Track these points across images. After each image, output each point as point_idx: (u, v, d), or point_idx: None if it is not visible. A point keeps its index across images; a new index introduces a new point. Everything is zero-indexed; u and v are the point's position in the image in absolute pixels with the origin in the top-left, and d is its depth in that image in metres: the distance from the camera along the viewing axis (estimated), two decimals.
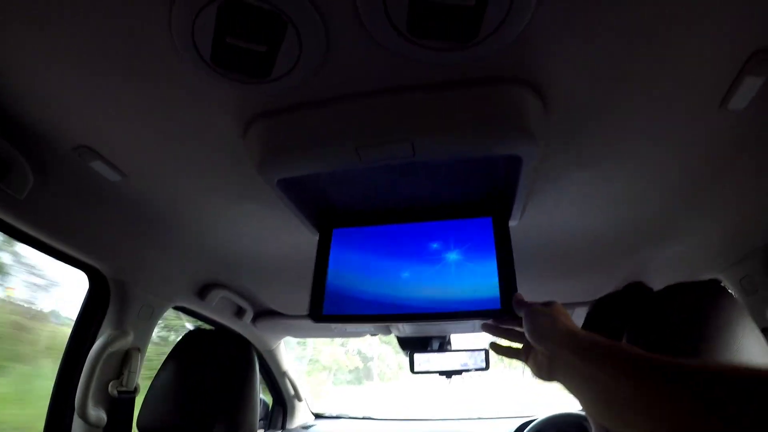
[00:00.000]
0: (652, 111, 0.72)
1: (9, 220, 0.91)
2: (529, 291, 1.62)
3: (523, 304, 0.74)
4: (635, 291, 0.79)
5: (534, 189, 0.92)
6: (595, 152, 0.83)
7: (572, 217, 1.08)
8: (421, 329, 2.02)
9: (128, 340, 1.25)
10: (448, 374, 2.14)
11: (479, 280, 0.83)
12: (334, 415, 2.79)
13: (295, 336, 2.31)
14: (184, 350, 1.05)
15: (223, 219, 1.13)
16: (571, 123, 0.75)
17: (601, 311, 0.82)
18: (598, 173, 0.90)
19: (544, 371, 0.66)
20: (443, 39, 0.58)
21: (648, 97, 0.69)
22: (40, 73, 0.67)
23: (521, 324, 0.72)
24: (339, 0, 0.54)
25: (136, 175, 0.93)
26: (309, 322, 1.96)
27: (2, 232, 0.95)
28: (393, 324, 1.96)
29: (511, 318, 0.77)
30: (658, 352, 0.47)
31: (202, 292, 1.55)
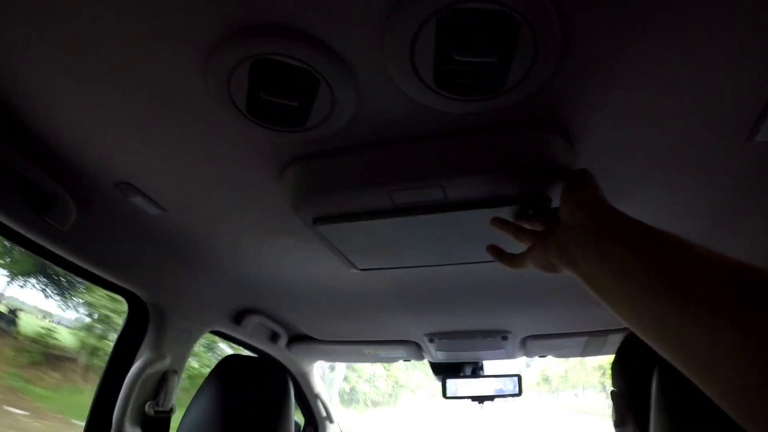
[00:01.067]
0: (680, 145, 0.72)
1: (54, 249, 0.95)
2: (563, 317, 1.60)
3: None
4: None
5: None
6: (625, 185, 0.82)
7: None
8: (454, 355, 2.00)
9: (165, 363, 1.29)
10: (481, 399, 2.11)
11: None
12: None
13: (328, 360, 2.32)
14: (221, 375, 1.08)
15: (260, 251, 1.16)
16: (600, 160, 0.75)
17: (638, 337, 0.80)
18: (628, 205, 0.88)
19: (558, 253, 0.56)
20: (469, 92, 0.59)
21: (675, 133, 0.69)
22: (85, 117, 0.71)
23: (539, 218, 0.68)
24: (369, 57, 0.55)
25: (175, 210, 0.96)
26: (342, 347, 2.00)
27: (47, 260, 1.00)
28: (425, 349, 1.95)
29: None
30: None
31: (238, 317, 1.58)
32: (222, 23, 0.52)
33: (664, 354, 0.41)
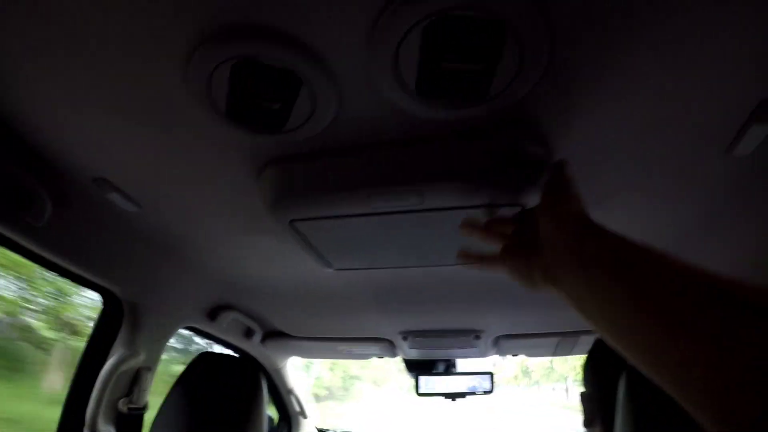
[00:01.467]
0: (660, 156, 0.73)
1: (27, 245, 0.93)
2: (535, 318, 1.62)
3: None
4: None
5: None
6: (604, 193, 0.84)
7: None
8: (427, 353, 2.02)
9: (139, 360, 1.28)
10: (453, 397, 2.13)
11: None
12: (339, 431, 2.79)
13: (302, 356, 2.32)
14: (194, 372, 1.07)
15: (236, 248, 1.15)
16: (580, 168, 0.75)
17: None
18: (609, 210, 0.90)
19: (542, 273, 0.55)
20: (452, 99, 0.59)
21: (656, 143, 0.70)
22: (61, 111, 0.70)
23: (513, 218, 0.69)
24: (352, 60, 0.55)
25: (152, 207, 0.96)
26: (316, 343, 2.00)
27: (21, 255, 0.97)
28: (399, 346, 1.96)
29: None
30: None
31: (213, 314, 1.57)
32: (206, 23, 0.51)
33: (649, 374, 0.40)
